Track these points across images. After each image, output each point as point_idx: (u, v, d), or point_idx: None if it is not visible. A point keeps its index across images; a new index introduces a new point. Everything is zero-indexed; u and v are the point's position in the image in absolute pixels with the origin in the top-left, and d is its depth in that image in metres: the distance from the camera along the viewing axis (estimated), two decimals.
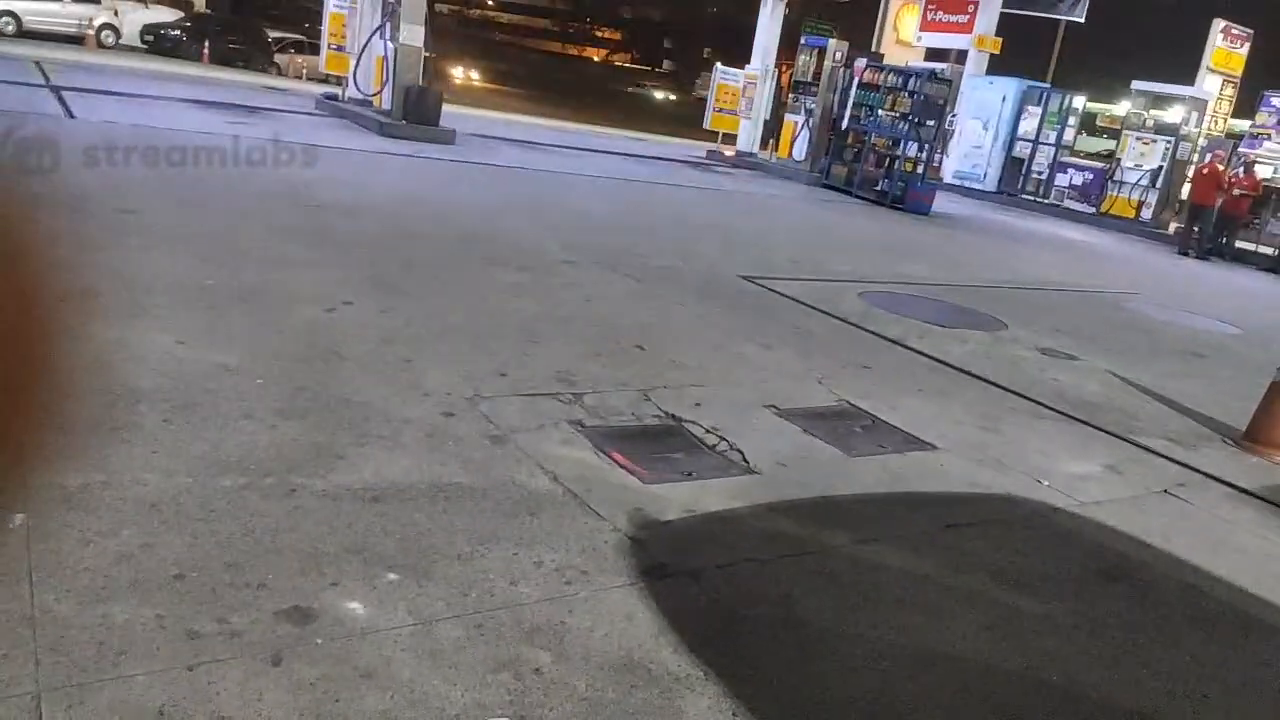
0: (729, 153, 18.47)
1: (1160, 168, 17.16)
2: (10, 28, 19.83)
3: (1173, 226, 16.88)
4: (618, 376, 4.31)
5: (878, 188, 14.50)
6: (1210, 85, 18.62)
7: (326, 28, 15.89)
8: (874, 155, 14.84)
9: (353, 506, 2.72)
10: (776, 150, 18.13)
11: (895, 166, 14.36)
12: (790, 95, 17.85)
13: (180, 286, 4.51)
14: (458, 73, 36.34)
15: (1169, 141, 17.08)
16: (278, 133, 10.84)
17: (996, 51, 19.43)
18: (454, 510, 2.81)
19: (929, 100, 13.96)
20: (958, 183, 19.33)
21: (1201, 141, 17.35)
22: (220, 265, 5.01)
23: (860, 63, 15.39)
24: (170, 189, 6.97)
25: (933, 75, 14.47)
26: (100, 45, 21.53)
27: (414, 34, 13.09)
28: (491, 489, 2.99)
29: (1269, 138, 17.16)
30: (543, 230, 7.77)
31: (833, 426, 4.12)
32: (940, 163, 18.46)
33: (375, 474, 2.94)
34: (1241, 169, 15.30)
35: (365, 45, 14.29)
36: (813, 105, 16.71)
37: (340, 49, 15.48)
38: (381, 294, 4.98)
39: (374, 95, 14.14)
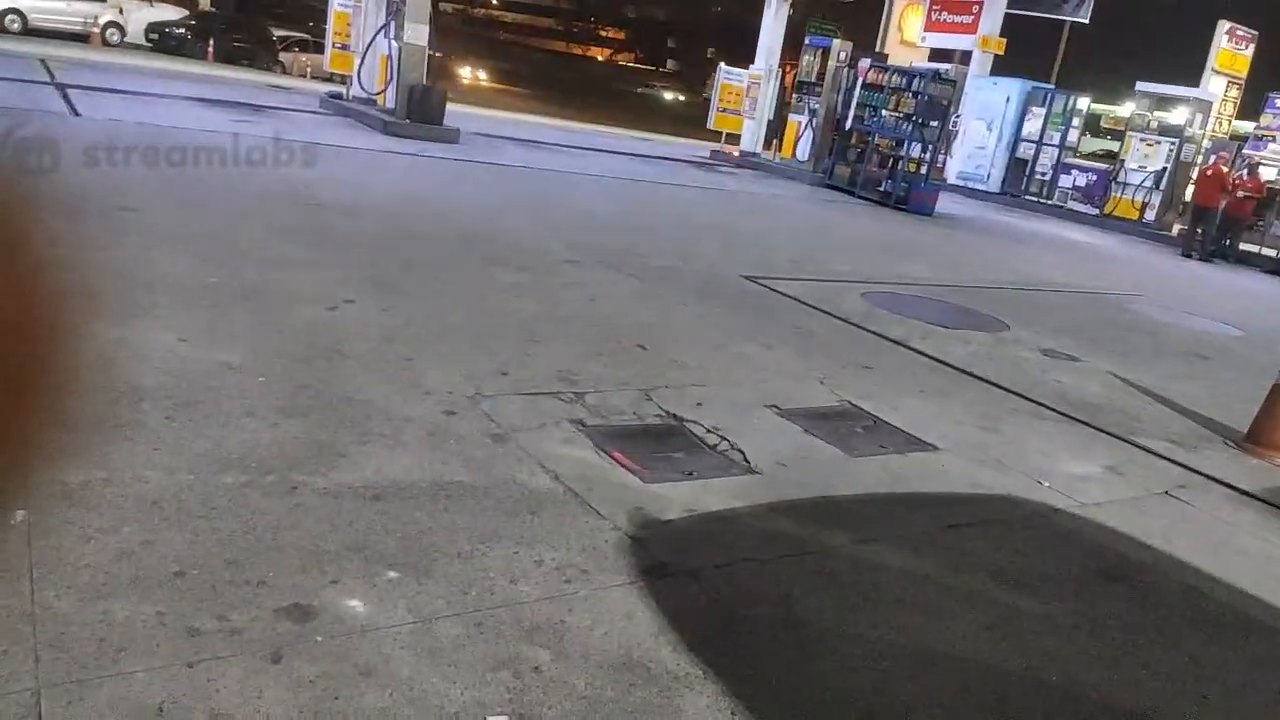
0: (733, 153, 18.47)
1: (1164, 169, 17.14)
2: (16, 25, 19.88)
3: (1176, 228, 16.85)
4: (619, 376, 4.31)
5: (881, 188, 14.50)
6: (1215, 87, 18.60)
7: (331, 26, 15.92)
8: (877, 156, 14.83)
9: (354, 504, 2.73)
10: (780, 150, 18.12)
11: (899, 167, 14.35)
12: (794, 95, 17.85)
13: (183, 285, 4.52)
14: (465, 73, 36.37)
15: (1173, 143, 17.05)
16: (281, 131, 10.86)
17: (1001, 52, 19.41)
18: (455, 509, 2.82)
19: (933, 101, 13.95)
20: (961, 183, 19.32)
21: (1206, 143, 17.32)
22: (223, 264, 5.02)
23: (864, 63, 15.37)
24: (173, 187, 6.98)
25: (937, 76, 14.46)
26: (105, 43, 21.57)
27: (418, 33, 13.10)
28: (492, 487, 2.99)
29: (1273, 139, 17.12)
30: (545, 230, 7.77)
31: (834, 427, 4.12)
32: (944, 163, 18.43)
33: (376, 472, 2.95)
34: (1245, 171, 15.28)
35: (370, 44, 14.32)
36: (816, 105, 16.70)
37: (345, 48, 15.50)
38: (383, 293, 4.99)
39: (378, 94, 14.17)
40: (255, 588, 2.25)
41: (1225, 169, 14.98)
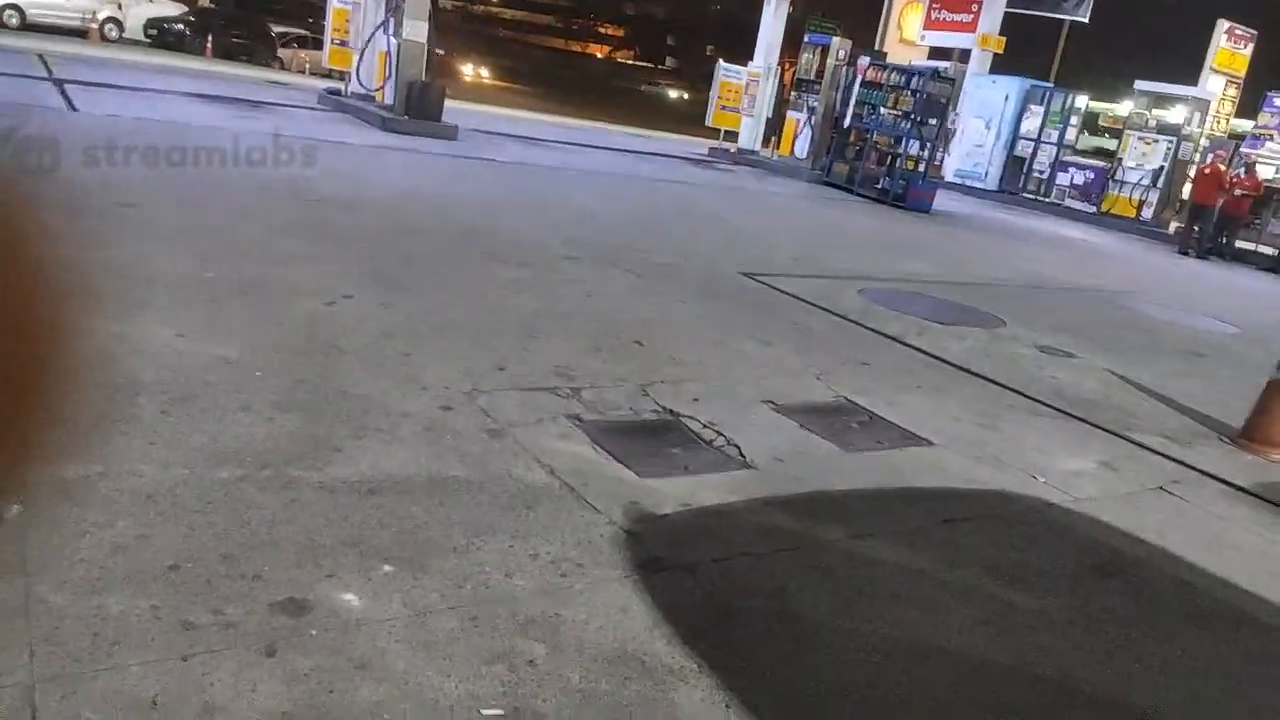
0: (731, 150, 18.46)
1: (1162, 168, 17.15)
2: (14, 20, 19.84)
3: (1173, 226, 16.87)
4: (616, 372, 4.31)
5: (879, 186, 14.50)
6: (1213, 85, 18.62)
7: (330, 23, 15.91)
8: (876, 153, 14.84)
9: (349, 499, 2.73)
10: (778, 148, 18.13)
11: (897, 165, 14.36)
12: (793, 93, 17.85)
13: (180, 280, 4.52)
14: (467, 70, 36.30)
15: (1171, 141, 17.07)
16: (280, 127, 10.85)
17: (1000, 51, 19.42)
18: (451, 503, 2.82)
19: (931, 99, 13.95)
20: (959, 181, 19.33)
21: (1203, 142, 17.33)
22: (220, 259, 5.02)
23: (863, 61, 15.38)
24: (172, 184, 6.98)
25: (936, 74, 14.46)
26: (104, 39, 21.52)
27: (417, 29, 13.09)
28: (488, 482, 3.00)
29: (1271, 138, 17.14)
30: (543, 226, 7.77)
31: (830, 422, 4.13)
32: (942, 161, 18.43)
33: (372, 467, 2.95)
34: (1243, 169, 15.30)
35: (369, 40, 14.30)
36: (815, 103, 16.71)
37: (344, 44, 15.50)
38: (381, 288, 4.99)
39: (376, 90, 14.16)
40: (250, 582, 2.25)
41: (1223, 167, 15.00)
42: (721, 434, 3.73)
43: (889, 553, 3.03)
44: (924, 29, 20.27)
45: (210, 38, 22.81)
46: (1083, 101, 19.09)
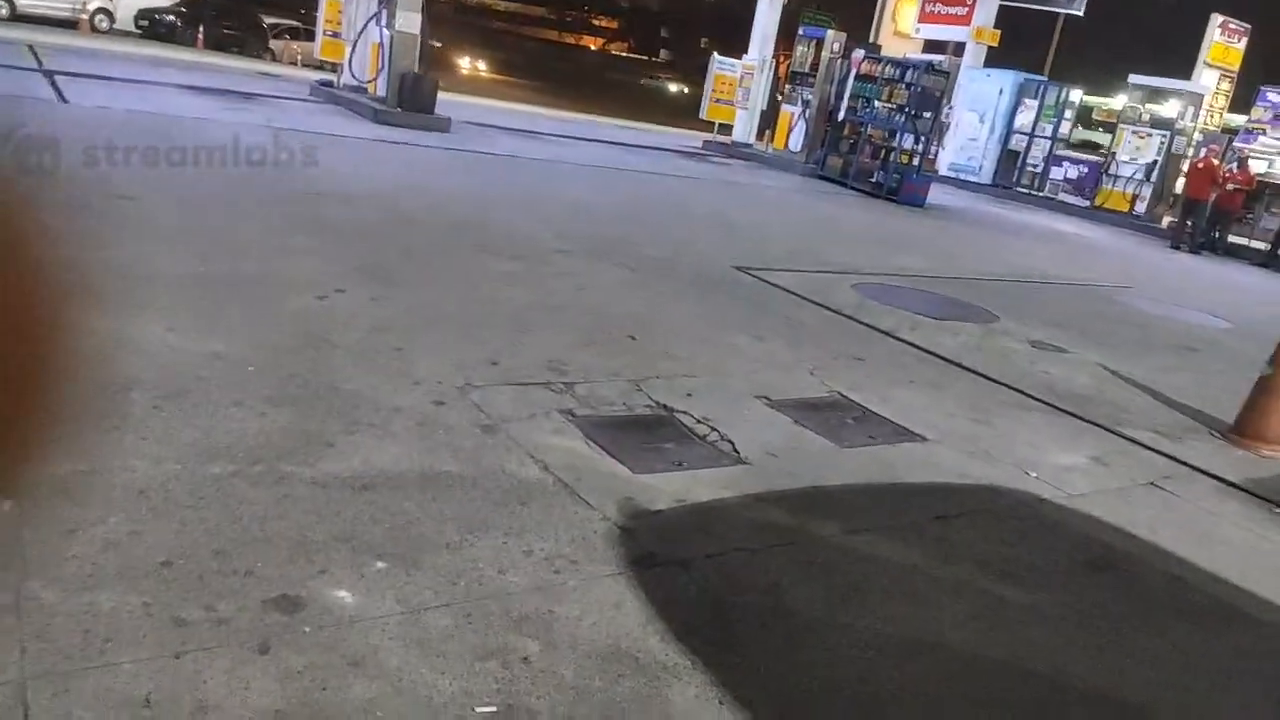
0: (726, 143, 18.44)
1: (1155, 162, 17.18)
2: (4, 11, 19.69)
3: (1166, 221, 16.91)
4: (609, 366, 4.31)
5: (873, 179, 14.50)
6: (1207, 80, 18.65)
7: (322, 14, 15.80)
8: (870, 147, 14.83)
9: (342, 495, 2.72)
10: (772, 141, 18.10)
11: (891, 158, 14.36)
12: (787, 86, 17.81)
13: (171, 273, 4.50)
14: (464, 63, 36.08)
15: (1164, 136, 17.09)
16: (271, 119, 10.80)
17: (995, 44, 19.41)
18: (443, 499, 2.81)
19: (926, 92, 13.94)
20: (953, 175, 19.33)
21: (1197, 136, 17.37)
22: (211, 252, 4.99)
23: (858, 54, 15.36)
24: (162, 178, 6.93)
25: (930, 67, 14.46)
26: (94, 29, 21.39)
27: (410, 21, 13.02)
28: (481, 478, 2.99)
29: (1264, 133, 17.19)
30: (536, 219, 7.75)
31: (824, 418, 4.13)
32: (936, 155, 18.45)
33: (365, 462, 2.94)
34: (1236, 164, 15.34)
35: (361, 31, 14.21)
36: (810, 96, 16.69)
37: (336, 35, 15.39)
38: (373, 282, 4.97)
39: (369, 82, 14.08)
40: (243, 578, 2.24)
41: (1216, 162, 15.03)
42: (715, 429, 3.74)
43: (882, 548, 3.03)
44: (919, 22, 20.25)
45: (202, 29, 22.69)
46: (1077, 95, 19.09)
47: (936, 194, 15.02)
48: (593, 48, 72.31)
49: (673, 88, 50.45)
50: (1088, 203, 17.88)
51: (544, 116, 20.12)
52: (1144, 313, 8.57)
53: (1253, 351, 6.84)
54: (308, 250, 5.40)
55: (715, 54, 19.49)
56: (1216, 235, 15.32)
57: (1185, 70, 18.62)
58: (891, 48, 18.67)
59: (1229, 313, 9.23)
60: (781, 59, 19.48)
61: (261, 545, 2.39)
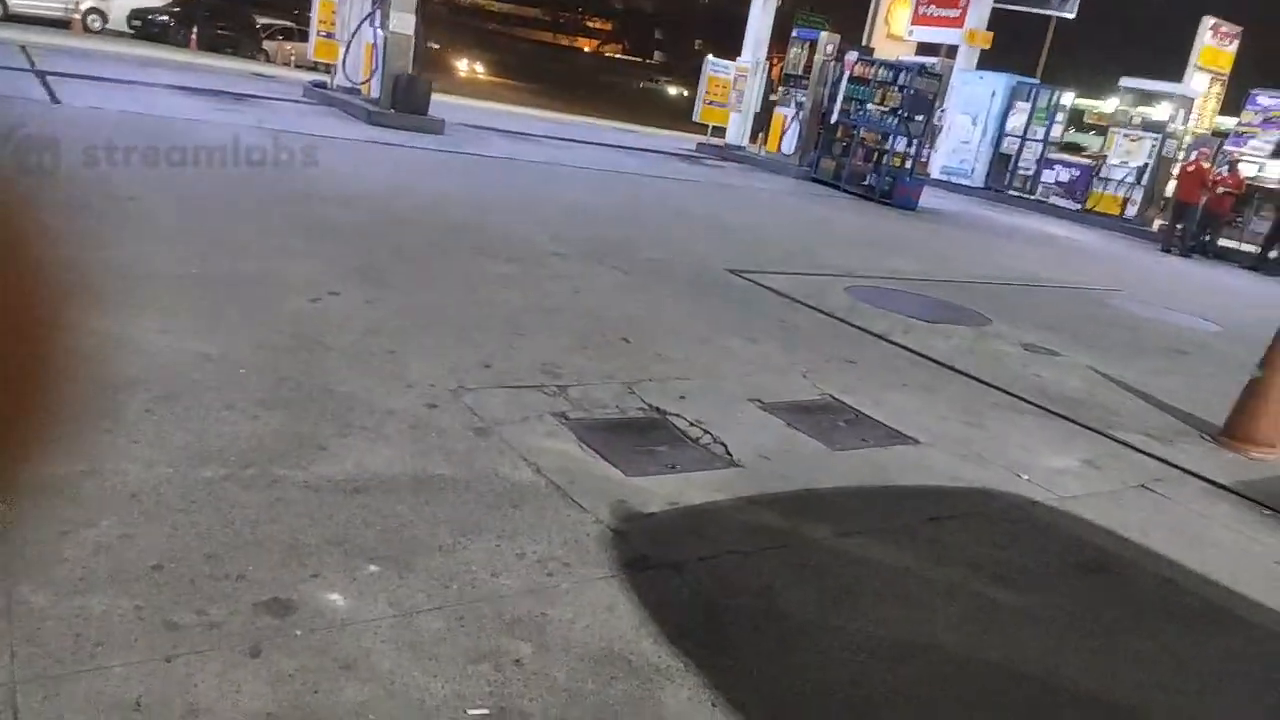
0: (719, 146, 18.45)
1: (1146, 165, 17.25)
2: None
3: (1156, 224, 16.98)
4: (603, 369, 4.31)
5: (866, 182, 14.53)
6: (1198, 83, 18.73)
7: (316, 14, 15.78)
8: (863, 150, 14.86)
9: (334, 498, 2.72)
10: (766, 143, 18.12)
11: (883, 161, 14.39)
12: (780, 88, 17.83)
13: (162, 275, 4.49)
14: (462, 65, 35.96)
15: (1156, 139, 17.16)
16: (264, 120, 10.78)
17: (987, 47, 19.48)
18: (436, 502, 2.81)
19: (918, 95, 13.98)
20: (945, 178, 19.38)
21: (1188, 139, 17.44)
22: (203, 254, 4.98)
23: (851, 56, 15.38)
24: (154, 177, 6.91)
25: (923, 70, 14.50)
26: (87, 30, 21.32)
27: (404, 22, 13.01)
28: (474, 481, 2.99)
29: (1254, 136, 17.27)
30: (530, 222, 7.75)
31: (816, 420, 4.14)
32: (928, 158, 18.50)
33: (357, 465, 2.94)
34: (1226, 167, 15.41)
35: (355, 32, 14.19)
36: (803, 99, 16.71)
37: (329, 36, 15.37)
38: (367, 284, 4.96)
39: (362, 83, 14.06)
40: (234, 581, 2.24)
41: (1206, 165, 15.10)
42: (708, 432, 3.74)
43: (875, 551, 3.04)
44: (912, 24, 20.31)
45: (195, 29, 22.61)
46: (1069, 98, 19.15)
47: (929, 197, 15.06)
48: (586, 50, 72.33)
49: (671, 90, 50.31)
50: (1079, 206, 17.94)
51: (538, 118, 20.11)
52: (1135, 316, 8.60)
53: (1242, 354, 6.88)
54: (300, 252, 5.39)
55: (709, 56, 19.51)
56: (1207, 239, 15.39)
57: (1177, 73, 18.70)
58: (884, 50, 18.74)
59: (1219, 316, 9.27)
60: (775, 61, 19.51)
61: (253, 549, 2.39)
